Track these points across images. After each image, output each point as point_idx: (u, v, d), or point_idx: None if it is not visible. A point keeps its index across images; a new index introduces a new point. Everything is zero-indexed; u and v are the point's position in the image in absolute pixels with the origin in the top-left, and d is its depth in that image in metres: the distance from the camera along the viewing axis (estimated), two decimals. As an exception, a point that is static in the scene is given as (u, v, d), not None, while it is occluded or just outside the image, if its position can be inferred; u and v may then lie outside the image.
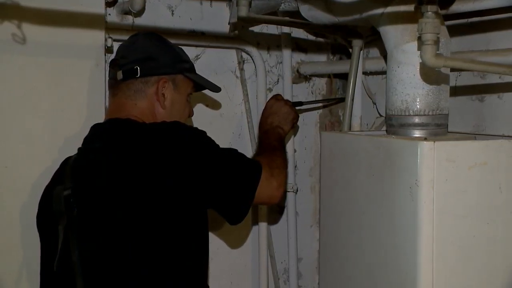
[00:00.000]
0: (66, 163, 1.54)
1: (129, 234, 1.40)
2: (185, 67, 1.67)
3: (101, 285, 1.41)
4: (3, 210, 1.66)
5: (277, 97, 1.92)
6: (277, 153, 1.68)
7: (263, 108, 2.18)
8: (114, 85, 1.62)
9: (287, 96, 2.23)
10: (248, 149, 2.22)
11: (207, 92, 2.11)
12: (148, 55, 1.61)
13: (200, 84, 1.73)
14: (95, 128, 1.59)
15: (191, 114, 1.76)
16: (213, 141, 1.53)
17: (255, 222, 2.25)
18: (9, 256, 1.67)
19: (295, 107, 1.94)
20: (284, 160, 1.68)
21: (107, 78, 1.70)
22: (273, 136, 1.79)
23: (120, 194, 1.41)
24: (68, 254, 1.43)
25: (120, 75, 1.58)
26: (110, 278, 1.41)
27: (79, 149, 1.56)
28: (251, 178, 1.52)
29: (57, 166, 1.65)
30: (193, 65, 1.73)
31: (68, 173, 1.50)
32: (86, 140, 1.57)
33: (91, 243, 1.42)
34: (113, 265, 1.40)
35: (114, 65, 1.61)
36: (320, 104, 2.39)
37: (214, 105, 2.16)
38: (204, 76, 2.07)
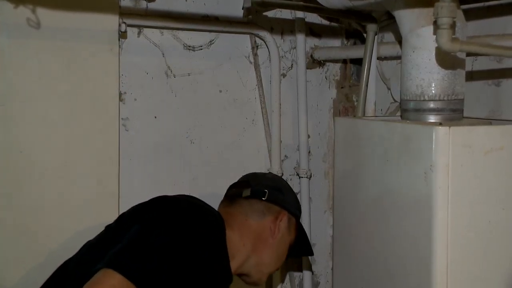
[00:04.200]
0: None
1: None
2: (300, 215, 1.77)
3: None
4: (19, 195, 1.68)
5: None
6: None
7: (277, 93, 2.19)
8: (233, 200, 1.66)
9: (301, 80, 2.23)
10: (261, 135, 2.23)
11: (219, 78, 2.12)
12: (278, 187, 1.69)
13: (298, 240, 1.76)
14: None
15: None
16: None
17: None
18: (25, 239, 1.69)
19: None
20: None
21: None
22: None
23: None
24: None
25: (247, 192, 1.64)
26: None
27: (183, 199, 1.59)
28: None
29: (72, 152, 1.67)
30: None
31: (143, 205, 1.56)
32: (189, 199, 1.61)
33: None
34: None
35: (241, 186, 1.68)
36: None
37: (228, 90, 2.15)
38: (218, 61, 2.09)
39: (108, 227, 1.55)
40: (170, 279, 1.32)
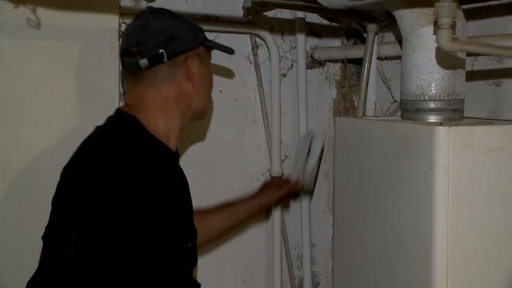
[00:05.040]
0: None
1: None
2: (204, 36, 1.54)
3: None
4: (19, 195, 1.68)
5: None
6: None
7: (277, 93, 2.18)
8: (135, 74, 1.46)
9: (301, 80, 2.23)
10: (261, 135, 2.23)
11: (221, 77, 2.12)
12: (169, 35, 1.45)
13: (218, 49, 1.60)
14: (108, 118, 1.49)
15: None
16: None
17: (269, 207, 2.25)
18: (25, 239, 1.69)
19: None
20: None
21: (121, 67, 1.57)
22: None
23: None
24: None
25: (145, 63, 1.42)
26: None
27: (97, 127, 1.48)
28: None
29: (72, 152, 1.66)
30: (204, 31, 1.57)
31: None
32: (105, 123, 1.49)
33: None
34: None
35: (131, 54, 1.45)
36: None
37: (228, 90, 2.15)
38: (218, 61, 2.08)
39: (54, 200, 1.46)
40: (142, 246, 1.25)
